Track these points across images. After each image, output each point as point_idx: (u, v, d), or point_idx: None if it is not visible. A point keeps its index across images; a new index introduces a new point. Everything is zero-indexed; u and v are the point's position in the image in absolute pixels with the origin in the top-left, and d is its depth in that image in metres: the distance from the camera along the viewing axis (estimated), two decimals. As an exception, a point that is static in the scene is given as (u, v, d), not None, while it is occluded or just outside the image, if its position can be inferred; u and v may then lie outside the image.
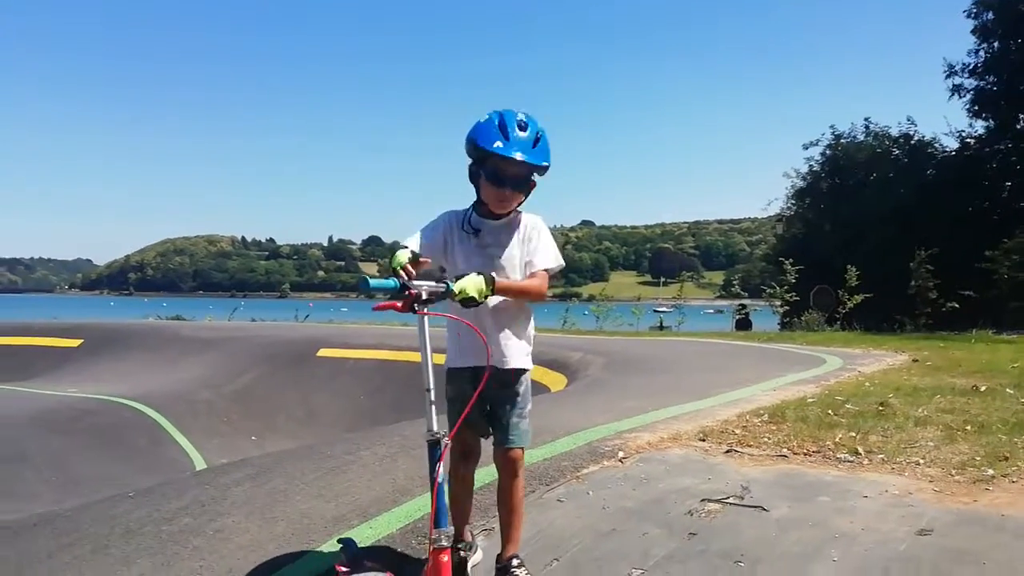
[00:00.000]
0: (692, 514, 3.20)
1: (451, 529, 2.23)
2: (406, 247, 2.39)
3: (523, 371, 2.67)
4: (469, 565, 2.77)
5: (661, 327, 18.81)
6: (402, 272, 2.27)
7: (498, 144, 2.48)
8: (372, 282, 2.29)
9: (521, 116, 2.53)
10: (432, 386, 2.27)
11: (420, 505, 3.35)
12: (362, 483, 3.80)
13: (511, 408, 2.63)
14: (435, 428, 2.23)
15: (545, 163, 2.57)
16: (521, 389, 2.67)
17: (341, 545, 2.58)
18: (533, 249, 2.64)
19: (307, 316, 22.56)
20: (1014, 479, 3.49)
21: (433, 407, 2.26)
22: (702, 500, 3.34)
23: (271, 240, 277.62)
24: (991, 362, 7.86)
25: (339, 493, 3.67)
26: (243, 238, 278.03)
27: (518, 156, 2.48)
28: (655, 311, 22.72)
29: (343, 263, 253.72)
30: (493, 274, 2.45)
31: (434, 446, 2.22)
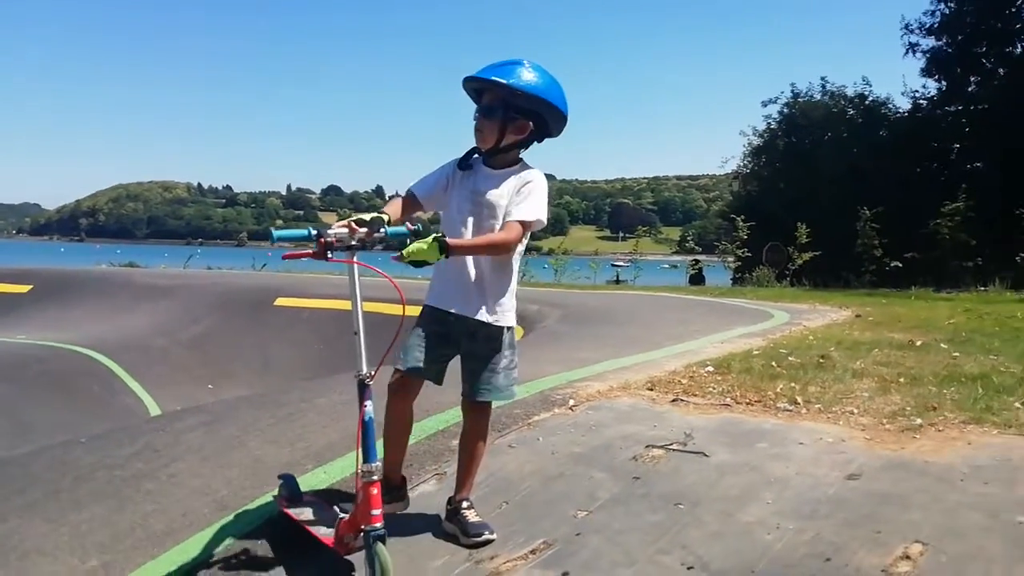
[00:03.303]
0: (637, 459, 3.33)
1: (379, 463, 2.30)
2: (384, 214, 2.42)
3: (500, 328, 2.63)
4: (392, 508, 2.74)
5: (617, 281, 19.06)
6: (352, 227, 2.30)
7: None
8: (277, 233, 2.30)
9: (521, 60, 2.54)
10: (361, 330, 2.37)
11: (374, 450, 3.41)
12: (316, 429, 3.85)
13: (485, 363, 2.62)
14: (363, 369, 2.32)
15: (496, 78, 2.47)
16: (497, 346, 2.63)
17: (281, 481, 2.66)
18: (516, 200, 2.56)
19: (264, 265, 22.25)
20: (940, 428, 3.69)
21: (363, 349, 2.34)
22: (647, 446, 3.48)
23: (228, 187, 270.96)
24: (929, 319, 8.17)
25: (293, 439, 3.72)
26: (199, 185, 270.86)
27: (471, 74, 2.51)
28: (612, 265, 22.96)
29: (302, 212, 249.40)
30: (447, 238, 2.38)
31: (361, 386, 2.32)
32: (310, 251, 2.32)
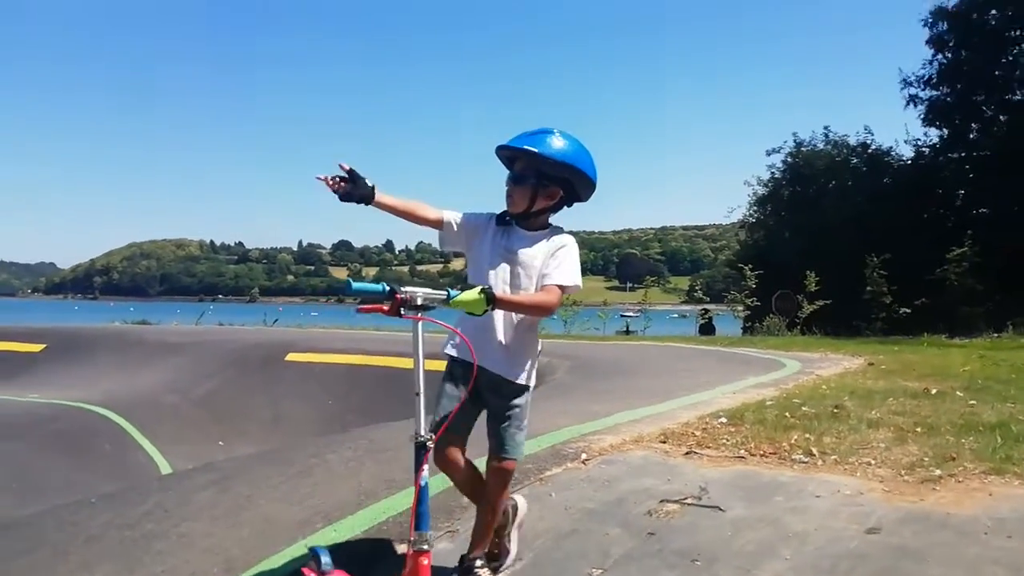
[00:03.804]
0: (651, 514, 3.28)
1: (431, 533, 2.22)
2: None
3: (525, 387, 2.66)
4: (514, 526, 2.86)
5: (627, 331, 19.03)
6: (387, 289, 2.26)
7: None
8: (355, 284, 2.26)
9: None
10: (422, 390, 2.25)
11: (385, 508, 3.39)
12: (327, 487, 3.83)
13: (510, 421, 2.63)
14: (423, 432, 2.22)
15: (528, 147, 2.54)
16: (522, 402, 2.65)
17: (311, 552, 2.60)
18: (553, 264, 2.61)
19: (276, 320, 22.35)
20: (960, 479, 3.63)
21: (423, 411, 2.25)
22: (661, 501, 3.43)
23: (240, 244, 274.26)
24: (942, 366, 8.10)
25: (304, 497, 3.69)
26: (212, 242, 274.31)
27: (504, 143, 2.58)
28: (621, 315, 22.96)
29: (313, 267, 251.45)
30: (494, 291, 2.41)
31: (420, 449, 2.22)
32: (384, 307, 2.30)
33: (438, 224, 2.71)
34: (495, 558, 2.79)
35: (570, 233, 2.72)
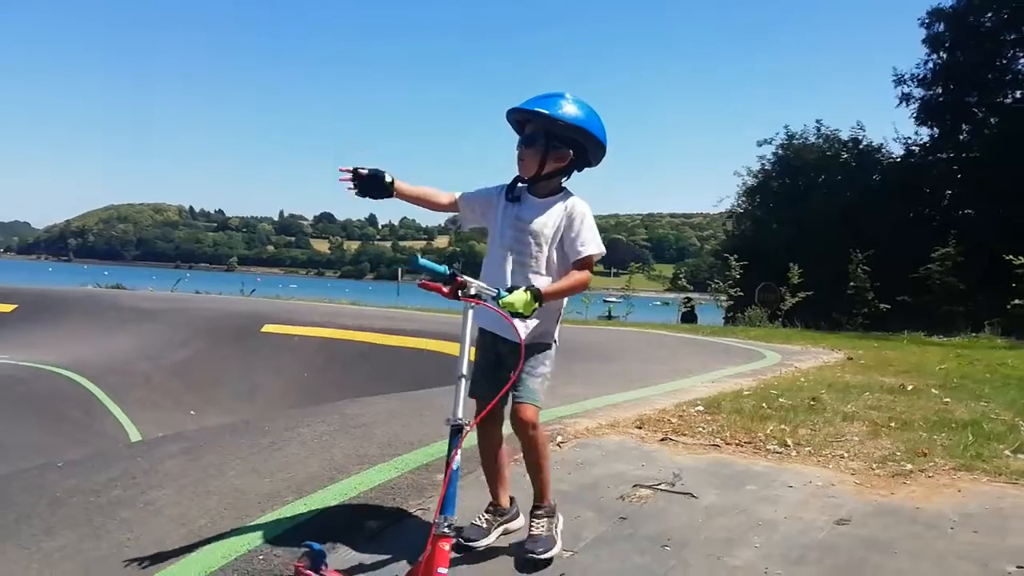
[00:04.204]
0: (624, 499, 3.27)
1: (456, 518, 2.17)
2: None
3: (548, 344, 2.70)
4: (505, 529, 2.87)
5: (609, 316, 19.06)
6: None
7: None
8: (421, 260, 2.35)
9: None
10: (465, 372, 2.26)
11: (356, 483, 3.36)
12: (298, 460, 3.78)
13: (529, 371, 2.66)
14: (460, 415, 2.22)
15: (539, 108, 2.55)
16: (542, 356, 2.68)
17: (306, 548, 2.53)
18: (575, 236, 2.63)
19: (253, 291, 22.19)
20: (930, 474, 3.65)
21: (462, 395, 2.25)
22: (634, 486, 3.42)
23: (220, 211, 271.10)
24: (920, 363, 8.17)
25: (274, 469, 3.64)
26: (191, 208, 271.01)
27: (515, 106, 2.60)
28: (605, 300, 22.96)
29: (294, 239, 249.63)
30: (538, 288, 2.45)
31: (456, 432, 2.21)
32: (444, 288, 2.36)
33: (453, 207, 2.75)
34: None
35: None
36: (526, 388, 2.66)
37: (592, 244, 2.64)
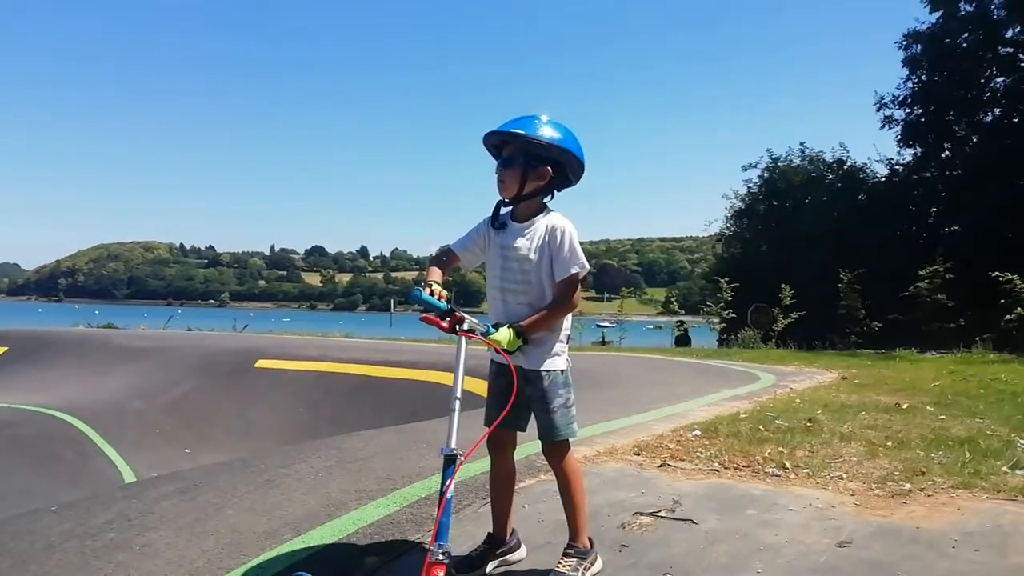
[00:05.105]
0: (624, 527, 3.26)
1: (450, 546, 2.23)
2: (430, 283, 2.55)
3: (552, 372, 2.70)
4: (503, 561, 2.87)
5: (603, 342, 19.07)
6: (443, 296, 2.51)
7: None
8: (424, 296, 2.48)
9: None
10: (458, 405, 2.36)
11: (355, 519, 3.33)
12: (296, 497, 3.75)
13: (540, 406, 2.70)
14: (453, 445, 2.27)
15: (515, 130, 2.60)
16: (545, 386, 2.69)
17: None
18: (556, 256, 2.65)
19: (246, 326, 22.12)
20: (929, 493, 3.65)
21: (455, 424, 2.32)
22: (634, 513, 3.41)
23: (211, 247, 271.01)
24: (914, 381, 8.20)
25: (272, 507, 3.61)
26: (181, 245, 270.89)
27: (492, 130, 2.65)
28: (598, 326, 23.01)
29: (285, 272, 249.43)
30: (522, 324, 2.56)
31: (449, 461, 2.27)
32: (443, 323, 2.48)
33: (458, 263, 2.82)
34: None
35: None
36: (544, 427, 2.74)
37: (574, 263, 2.65)
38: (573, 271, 2.65)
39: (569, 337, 2.79)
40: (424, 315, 2.52)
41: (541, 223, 2.70)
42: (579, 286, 2.69)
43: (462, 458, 2.25)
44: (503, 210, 2.76)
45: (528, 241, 2.68)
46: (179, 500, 3.83)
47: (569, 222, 2.70)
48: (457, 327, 2.46)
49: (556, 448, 2.76)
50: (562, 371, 2.73)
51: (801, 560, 2.86)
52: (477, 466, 3.95)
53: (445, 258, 2.80)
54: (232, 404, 10.49)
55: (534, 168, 2.65)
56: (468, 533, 3.08)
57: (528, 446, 4.50)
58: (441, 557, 2.15)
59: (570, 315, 2.75)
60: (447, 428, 2.32)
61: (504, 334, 2.51)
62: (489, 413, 2.75)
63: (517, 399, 2.63)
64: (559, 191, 2.78)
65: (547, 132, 2.61)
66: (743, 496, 3.68)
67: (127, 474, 8.15)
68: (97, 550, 3.20)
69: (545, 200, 2.76)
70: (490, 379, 2.81)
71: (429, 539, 3.02)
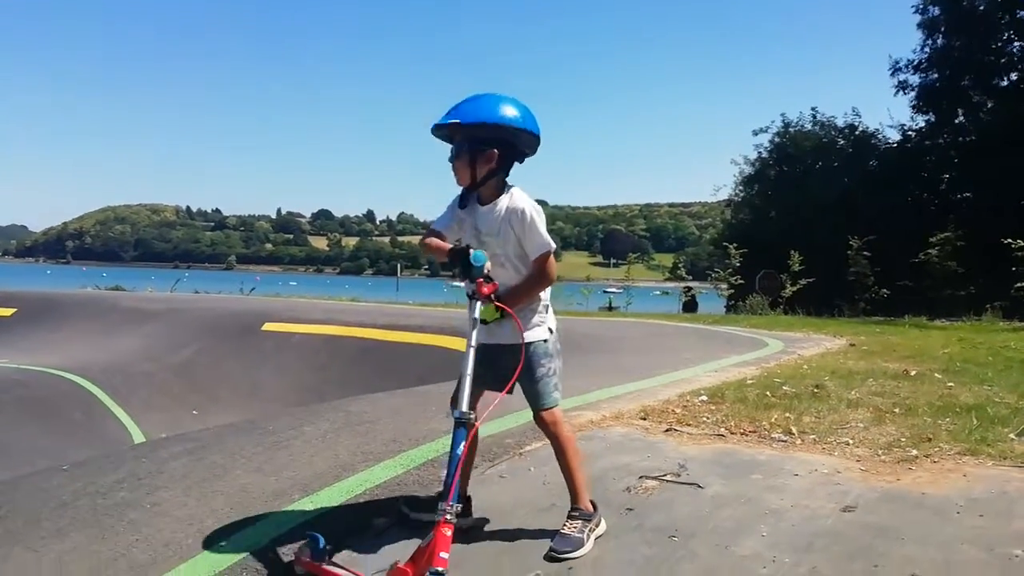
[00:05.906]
0: (630, 491, 3.27)
1: (459, 507, 2.31)
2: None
3: (529, 344, 2.70)
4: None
5: (610, 308, 19.04)
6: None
7: None
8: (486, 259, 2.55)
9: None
10: (470, 369, 2.42)
11: (362, 480, 3.36)
12: (304, 459, 3.78)
13: (524, 376, 2.69)
14: (465, 409, 2.37)
15: (451, 120, 2.59)
16: (532, 360, 2.70)
17: (308, 538, 2.55)
18: (522, 238, 2.66)
19: (252, 289, 22.20)
20: (935, 459, 3.65)
21: (467, 390, 2.39)
22: (640, 477, 3.43)
23: (217, 211, 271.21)
24: (923, 348, 8.17)
25: (280, 468, 3.64)
26: (188, 208, 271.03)
27: (434, 123, 2.64)
28: (604, 291, 22.98)
29: (292, 236, 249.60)
30: (499, 303, 2.59)
31: (460, 425, 2.36)
32: (486, 288, 2.53)
33: (446, 240, 2.80)
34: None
35: (554, 207, 2.72)
36: (529, 396, 2.78)
37: (539, 244, 2.67)
38: (542, 251, 2.67)
39: (547, 307, 2.81)
40: (479, 278, 2.54)
41: (503, 203, 2.69)
42: (552, 259, 2.71)
43: (477, 423, 2.32)
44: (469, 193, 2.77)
45: (495, 223, 2.69)
46: (188, 460, 3.86)
47: (529, 200, 2.69)
48: (493, 296, 2.54)
49: (544, 416, 2.79)
50: (544, 340, 2.75)
51: (806, 524, 2.87)
52: (482, 430, 3.97)
53: (437, 237, 2.81)
54: (240, 366, 10.55)
55: (481, 152, 2.64)
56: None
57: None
58: (451, 517, 2.22)
59: (543, 296, 2.79)
60: (457, 391, 2.35)
61: (486, 307, 2.57)
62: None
63: (497, 370, 2.66)
64: (520, 163, 2.77)
65: (484, 113, 2.59)
66: (749, 461, 3.69)
67: (136, 434, 8.24)
68: (108, 508, 3.24)
69: (506, 179, 2.74)
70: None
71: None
